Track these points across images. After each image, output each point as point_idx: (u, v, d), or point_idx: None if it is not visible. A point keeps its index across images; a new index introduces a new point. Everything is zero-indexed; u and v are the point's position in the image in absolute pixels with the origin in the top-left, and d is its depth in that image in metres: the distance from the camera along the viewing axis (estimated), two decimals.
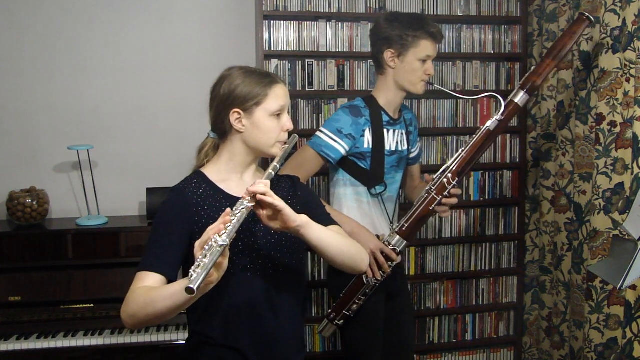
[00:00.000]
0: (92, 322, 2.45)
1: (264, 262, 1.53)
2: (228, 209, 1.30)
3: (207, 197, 1.52)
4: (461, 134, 3.01)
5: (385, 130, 2.18)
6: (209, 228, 1.26)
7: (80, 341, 2.37)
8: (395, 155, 2.23)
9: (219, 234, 1.23)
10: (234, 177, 1.58)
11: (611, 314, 2.38)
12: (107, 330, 2.43)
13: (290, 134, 1.59)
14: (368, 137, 2.15)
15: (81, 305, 2.46)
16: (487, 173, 3.06)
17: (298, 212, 1.43)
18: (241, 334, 1.51)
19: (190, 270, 1.18)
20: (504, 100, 2.13)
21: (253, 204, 1.34)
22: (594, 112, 2.44)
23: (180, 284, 1.28)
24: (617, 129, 2.33)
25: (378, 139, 2.16)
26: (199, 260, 1.19)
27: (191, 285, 1.15)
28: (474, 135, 2.14)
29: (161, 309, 1.31)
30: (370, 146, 2.15)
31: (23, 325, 2.41)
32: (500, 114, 2.11)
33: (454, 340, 3.11)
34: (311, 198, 1.69)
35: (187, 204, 1.49)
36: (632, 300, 2.31)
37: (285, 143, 1.56)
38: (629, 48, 2.29)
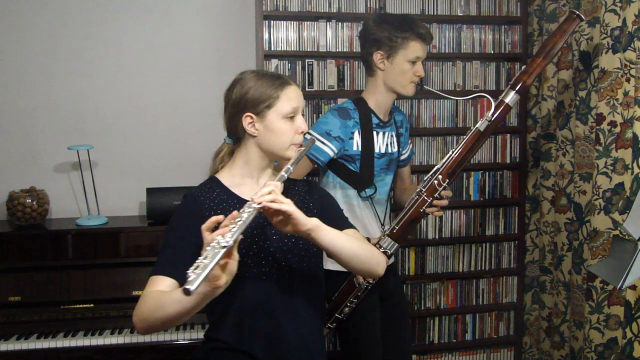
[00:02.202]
0: (92, 322, 2.45)
1: (279, 267, 1.51)
2: (235, 212, 1.28)
3: (220, 202, 1.51)
4: (461, 134, 2.98)
5: (374, 133, 2.17)
6: (215, 232, 1.22)
7: (80, 341, 2.36)
8: (385, 157, 2.22)
9: (222, 236, 1.20)
10: (249, 181, 1.56)
11: (611, 314, 2.38)
12: (107, 330, 2.43)
13: None
14: (357, 139, 2.14)
15: (81, 305, 2.46)
16: (487, 173, 3.05)
17: (314, 215, 1.42)
18: (256, 340, 1.49)
19: (188, 272, 1.11)
20: (494, 101, 2.12)
21: (260, 205, 1.31)
22: (594, 112, 2.44)
23: None
24: (617, 129, 2.33)
25: (367, 142, 2.14)
26: (198, 261, 1.14)
27: (188, 287, 1.07)
28: (464, 136, 2.13)
29: (170, 313, 1.30)
30: (360, 149, 2.14)
31: (23, 325, 2.41)
32: (490, 114, 2.10)
33: (454, 340, 3.11)
34: (327, 201, 1.67)
35: (200, 208, 1.48)
36: (632, 300, 2.31)
37: (301, 145, 1.54)
38: (629, 48, 2.29)
